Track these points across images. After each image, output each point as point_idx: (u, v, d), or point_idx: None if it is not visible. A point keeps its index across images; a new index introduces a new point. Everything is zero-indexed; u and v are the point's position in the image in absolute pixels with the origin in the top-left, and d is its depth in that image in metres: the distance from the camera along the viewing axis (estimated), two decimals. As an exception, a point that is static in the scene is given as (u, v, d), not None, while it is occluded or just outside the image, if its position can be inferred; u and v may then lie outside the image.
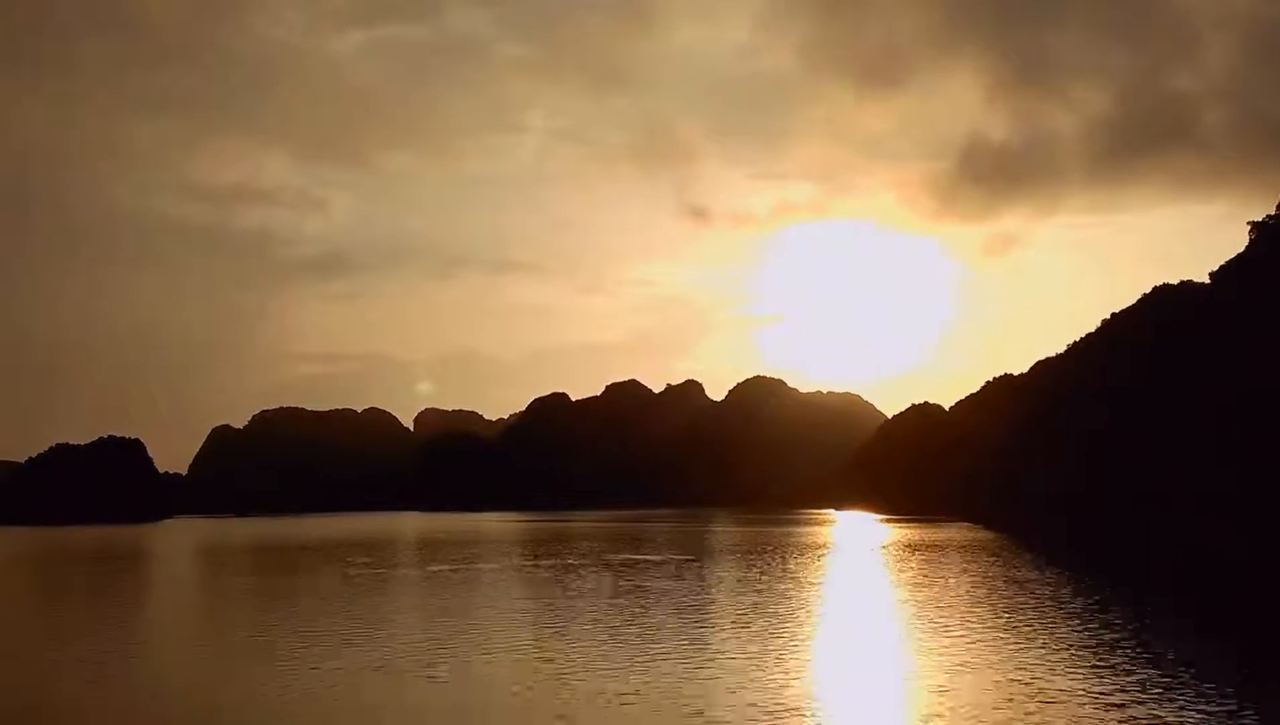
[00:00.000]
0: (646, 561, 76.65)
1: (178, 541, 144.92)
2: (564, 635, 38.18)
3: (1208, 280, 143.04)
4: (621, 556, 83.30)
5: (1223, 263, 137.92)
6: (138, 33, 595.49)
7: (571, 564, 76.42)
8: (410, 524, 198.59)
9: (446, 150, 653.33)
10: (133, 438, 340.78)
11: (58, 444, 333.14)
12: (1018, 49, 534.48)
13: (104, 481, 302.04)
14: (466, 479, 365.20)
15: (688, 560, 78.30)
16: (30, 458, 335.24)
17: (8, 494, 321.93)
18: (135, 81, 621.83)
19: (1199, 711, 24.60)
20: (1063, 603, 46.63)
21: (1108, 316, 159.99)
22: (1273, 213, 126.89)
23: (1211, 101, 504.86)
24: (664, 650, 34.66)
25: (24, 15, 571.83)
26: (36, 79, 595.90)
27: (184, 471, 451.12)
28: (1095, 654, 32.66)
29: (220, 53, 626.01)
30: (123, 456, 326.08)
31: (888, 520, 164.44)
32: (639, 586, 57.61)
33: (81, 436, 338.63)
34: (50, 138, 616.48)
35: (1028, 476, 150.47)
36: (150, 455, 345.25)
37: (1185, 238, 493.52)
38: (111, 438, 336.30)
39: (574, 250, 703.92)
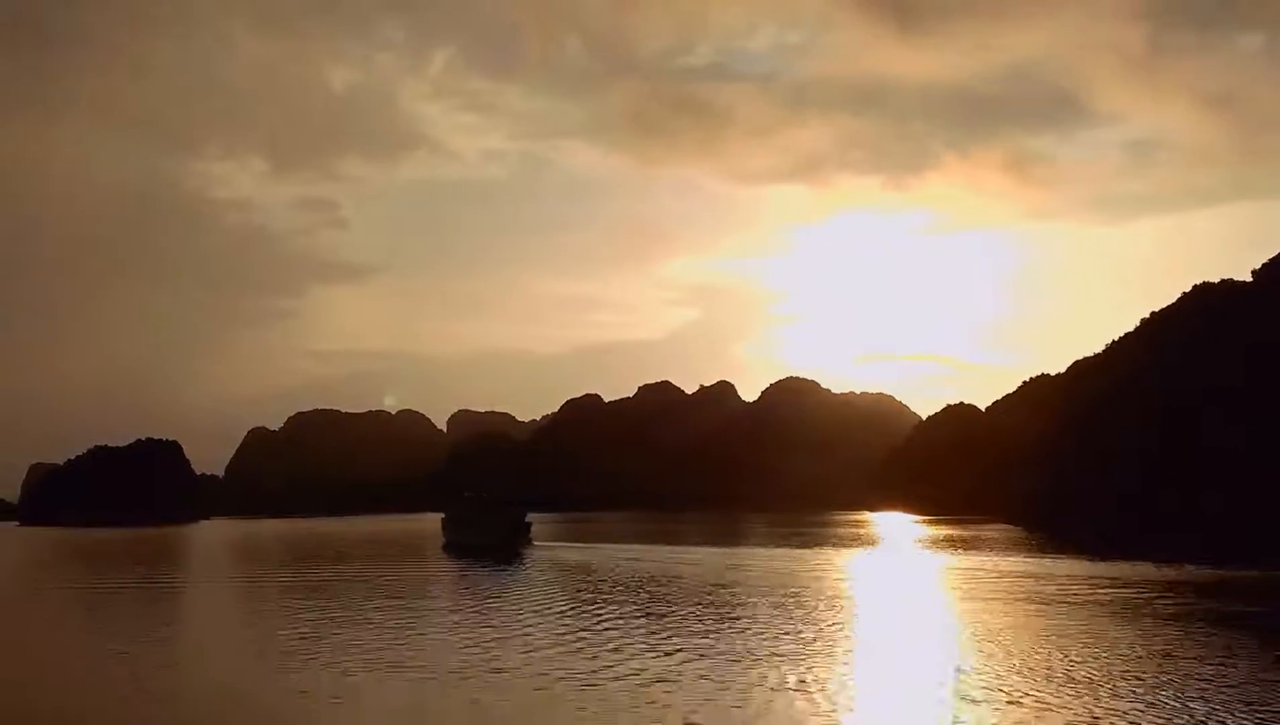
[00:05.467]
0: (680, 568, 75.94)
1: (212, 542, 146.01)
2: (588, 632, 37.61)
3: (1250, 278, 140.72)
4: (652, 564, 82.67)
5: (1265, 261, 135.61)
6: (76, 46, 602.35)
7: (601, 561, 75.92)
8: (431, 524, 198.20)
9: (435, 152, 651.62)
10: (170, 439, 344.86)
11: (97, 446, 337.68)
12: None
13: (142, 483, 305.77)
14: (497, 480, 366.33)
15: (724, 565, 77.39)
16: (69, 459, 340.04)
17: (47, 495, 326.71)
18: (97, 95, 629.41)
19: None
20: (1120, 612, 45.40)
21: (1147, 315, 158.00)
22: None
23: (1247, 95, 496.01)
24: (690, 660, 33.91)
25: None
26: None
27: (221, 473, 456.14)
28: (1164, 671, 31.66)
29: (174, 67, 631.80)
30: (160, 458, 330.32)
31: (927, 522, 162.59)
32: (666, 603, 56.90)
33: (120, 438, 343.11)
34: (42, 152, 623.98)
35: (1066, 477, 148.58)
36: (188, 457, 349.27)
37: (1227, 235, 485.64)
38: (150, 439, 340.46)
39: (602, 246, 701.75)
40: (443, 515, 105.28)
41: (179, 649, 39.22)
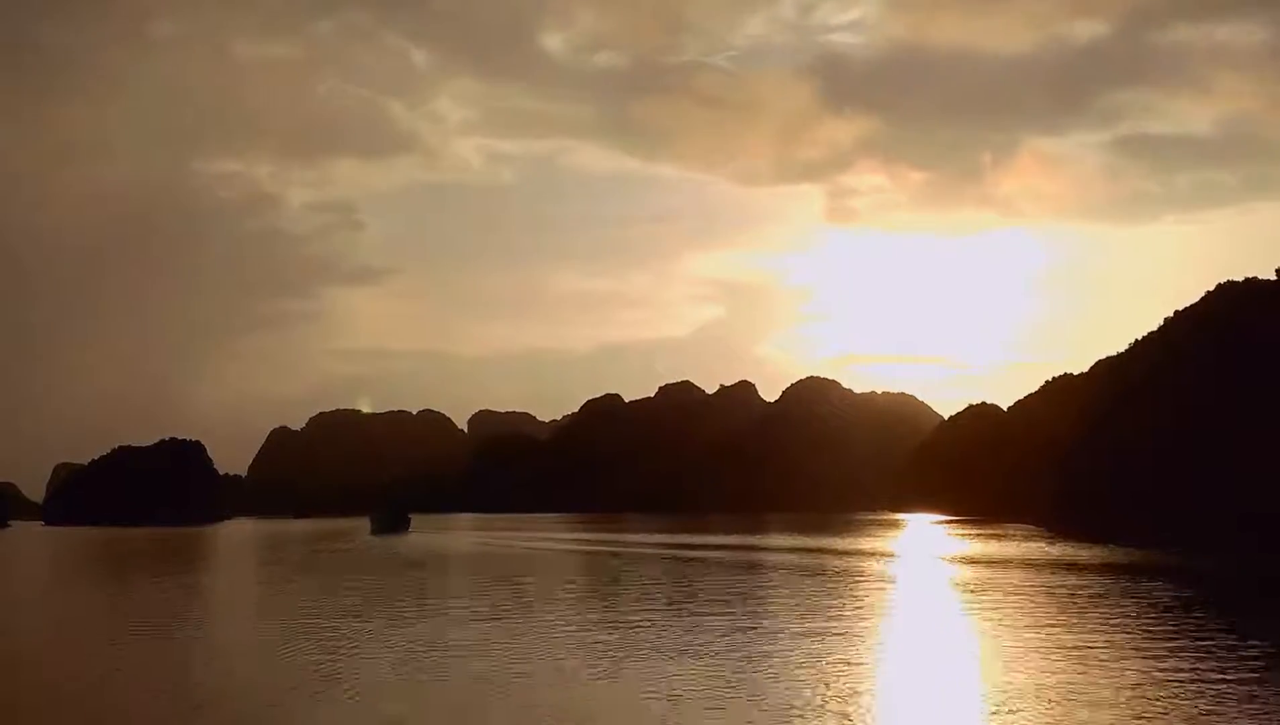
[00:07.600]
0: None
1: (233, 541, 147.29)
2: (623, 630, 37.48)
3: (1274, 276, 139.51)
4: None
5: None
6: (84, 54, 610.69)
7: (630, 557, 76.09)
8: (459, 523, 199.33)
9: (445, 154, 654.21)
10: (194, 439, 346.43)
11: (120, 446, 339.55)
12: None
13: (166, 483, 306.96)
14: (518, 481, 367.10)
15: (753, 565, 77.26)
16: (93, 459, 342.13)
17: (71, 495, 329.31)
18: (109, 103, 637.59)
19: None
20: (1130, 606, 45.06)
21: (1170, 314, 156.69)
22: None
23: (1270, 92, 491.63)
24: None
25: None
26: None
27: (244, 473, 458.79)
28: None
29: (181, 76, 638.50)
30: (184, 458, 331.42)
31: (955, 523, 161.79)
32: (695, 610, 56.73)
33: (144, 439, 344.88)
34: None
35: (1092, 476, 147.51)
36: (211, 457, 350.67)
37: (1250, 233, 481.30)
38: (173, 440, 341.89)
39: (620, 244, 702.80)
40: (369, 514, 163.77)
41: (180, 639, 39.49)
